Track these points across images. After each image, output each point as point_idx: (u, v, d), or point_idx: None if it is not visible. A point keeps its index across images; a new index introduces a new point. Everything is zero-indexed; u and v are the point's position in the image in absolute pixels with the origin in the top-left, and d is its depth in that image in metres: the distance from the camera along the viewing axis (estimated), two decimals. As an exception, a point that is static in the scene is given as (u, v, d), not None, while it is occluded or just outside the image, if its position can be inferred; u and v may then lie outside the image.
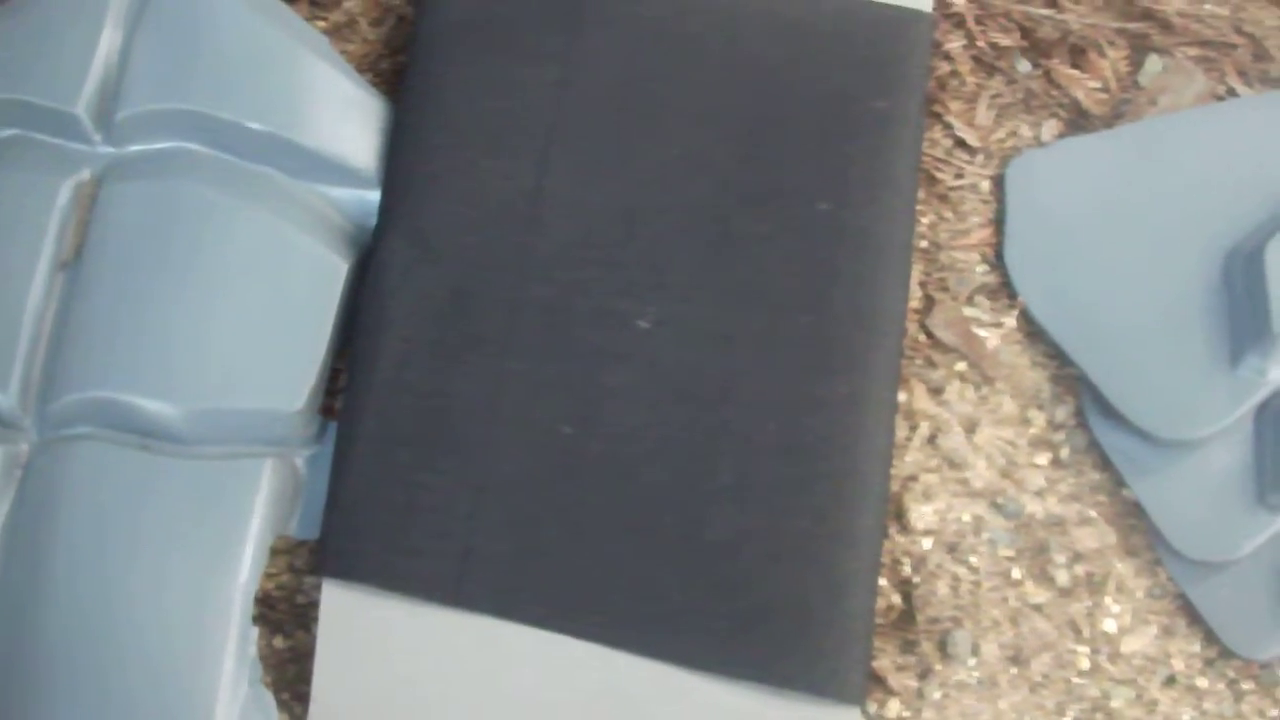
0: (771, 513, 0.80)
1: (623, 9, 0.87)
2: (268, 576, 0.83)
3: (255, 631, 0.81)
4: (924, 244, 0.89)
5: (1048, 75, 0.91)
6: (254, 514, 0.82)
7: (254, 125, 0.85)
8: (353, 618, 0.81)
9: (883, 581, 0.84)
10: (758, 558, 0.80)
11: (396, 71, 0.90)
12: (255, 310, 0.83)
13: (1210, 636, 0.85)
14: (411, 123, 0.86)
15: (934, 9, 0.87)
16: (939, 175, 0.89)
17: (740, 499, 0.80)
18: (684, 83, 0.86)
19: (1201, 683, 0.85)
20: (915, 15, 0.87)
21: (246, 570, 0.81)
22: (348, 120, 0.87)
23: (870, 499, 0.81)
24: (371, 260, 0.85)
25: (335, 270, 0.84)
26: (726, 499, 0.80)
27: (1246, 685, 0.85)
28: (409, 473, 0.82)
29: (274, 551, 0.83)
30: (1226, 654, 0.85)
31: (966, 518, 0.85)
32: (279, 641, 0.84)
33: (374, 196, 0.87)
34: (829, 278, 0.83)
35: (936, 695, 0.83)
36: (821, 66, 0.86)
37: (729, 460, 0.81)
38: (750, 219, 0.84)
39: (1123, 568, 0.85)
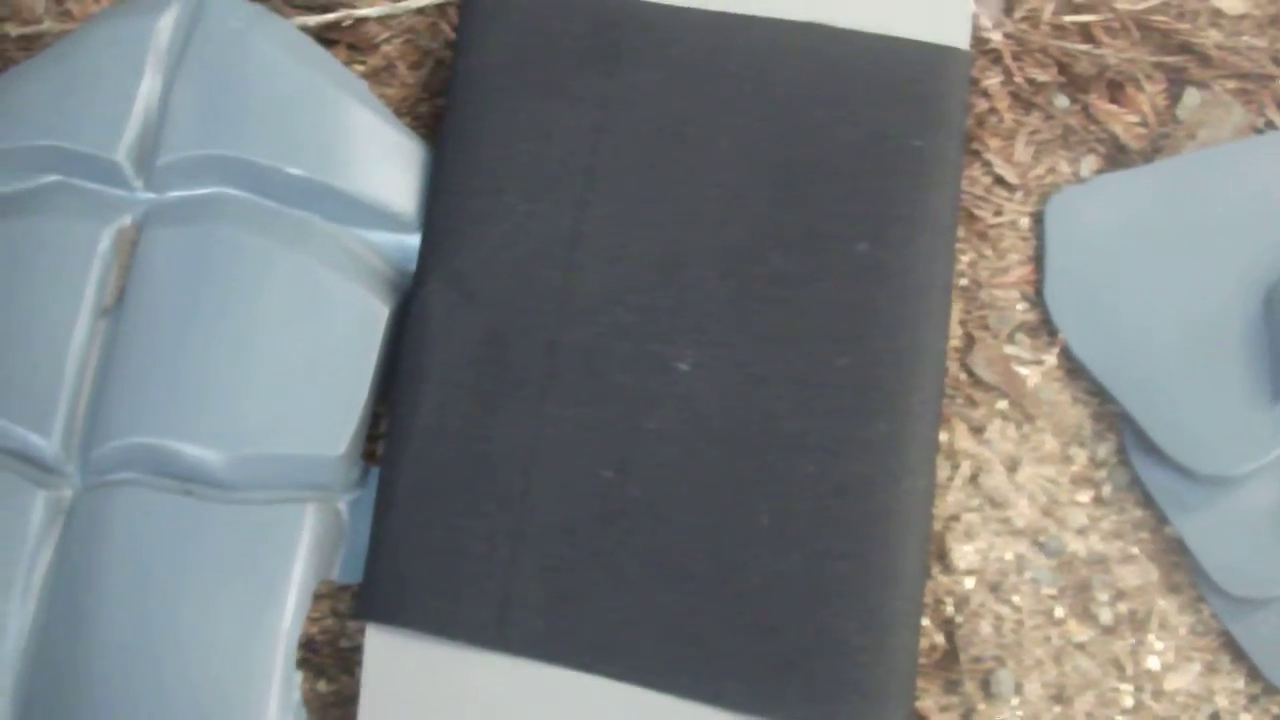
0: (812, 555, 0.80)
1: (659, 51, 0.87)
2: (311, 621, 0.83)
3: (299, 676, 0.81)
4: (964, 282, 0.88)
5: (1086, 110, 0.91)
6: (297, 559, 0.82)
7: (293, 170, 0.85)
8: (396, 661, 0.81)
9: (925, 621, 0.84)
10: (798, 600, 0.80)
11: (435, 115, 0.90)
12: (296, 355, 0.83)
13: (1254, 673, 0.84)
14: (449, 166, 0.87)
15: (971, 46, 0.87)
16: (978, 213, 0.89)
17: (780, 541, 0.80)
18: (720, 124, 0.86)
19: (1246, 719, 0.84)
20: (952, 53, 0.87)
21: (290, 615, 0.81)
22: (387, 164, 0.87)
23: (912, 539, 0.81)
24: (411, 305, 0.85)
25: (376, 314, 0.85)
26: (766, 541, 0.80)
27: (1292, 722, 0.84)
28: (450, 518, 0.82)
29: (317, 596, 0.83)
30: (1270, 690, 0.84)
31: (1009, 556, 0.85)
32: (323, 686, 0.84)
33: (414, 241, 0.87)
34: (867, 319, 0.83)
35: (980, 735, 0.83)
36: (858, 106, 0.86)
37: (768, 503, 0.81)
38: (788, 261, 0.84)
39: (1165, 605, 0.85)
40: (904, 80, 0.86)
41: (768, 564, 0.80)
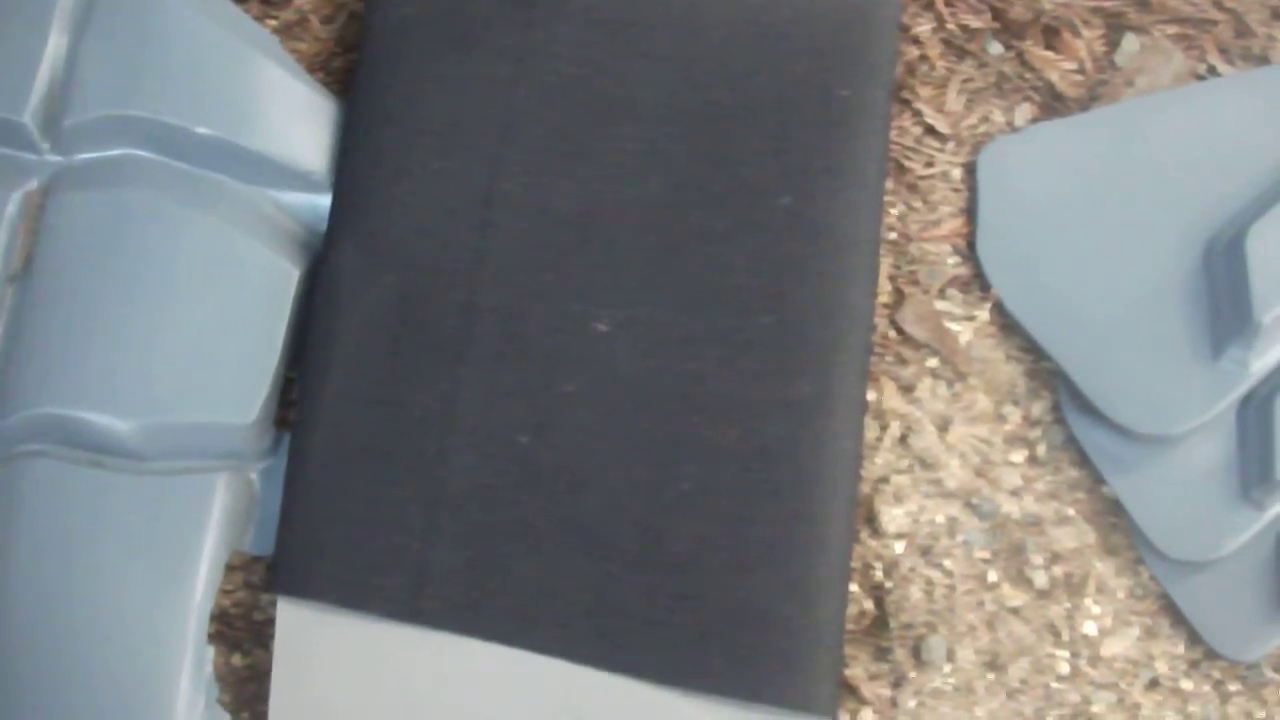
0: (735, 520, 0.78)
1: (577, 2, 0.84)
2: (224, 593, 0.81)
3: (211, 650, 0.79)
4: (893, 236, 0.86)
5: (1020, 57, 0.88)
6: (208, 530, 0.81)
7: (201, 130, 0.83)
8: (309, 635, 0.79)
9: (854, 587, 0.81)
10: (722, 567, 0.78)
11: (349, 70, 0.88)
12: (206, 320, 0.81)
13: (1194, 637, 0.82)
14: (360, 124, 0.84)
15: (901, -8, 0.84)
16: (908, 164, 0.87)
17: (702, 506, 0.78)
18: (640, 76, 0.83)
19: (1186, 685, 0.82)
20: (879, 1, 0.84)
21: (201, 587, 0.80)
22: (298, 123, 0.85)
23: (839, 503, 0.79)
24: (321, 267, 0.82)
25: (287, 277, 0.82)
26: (688, 507, 0.78)
27: (1233, 687, 0.82)
28: (363, 486, 0.80)
29: (230, 568, 0.81)
30: (1211, 655, 0.82)
31: (940, 519, 0.83)
32: (237, 659, 0.82)
33: (327, 201, 0.85)
34: (791, 275, 0.80)
35: (911, 704, 0.81)
36: (782, 56, 0.83)
37: (690, 467, 0.78)
38: (710, 216, 0.81)
39: (1103, 568, 0.83)
40: (830, 28, 0.83)
41: (690, 531, 0.78)
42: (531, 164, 0.83)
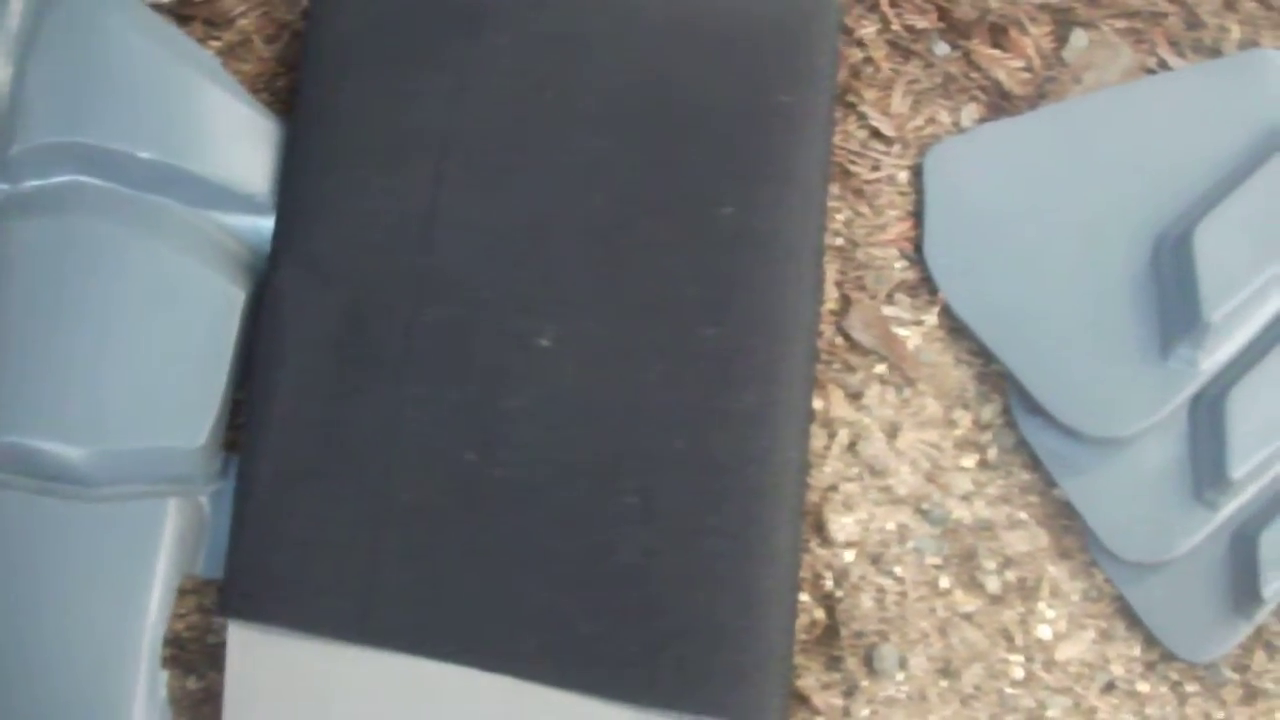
0: (681, 533, 0.78)
1: (519, 15, 0.84)
2: (177, 617, 0.81)
3: (165, 674, 0.80)
4: (839, 242, 0.85)
5: (967, 57, 0.87)
6: (159, 555, 0.81)
7: (145, 155, 0.83)
8: (260, 657, 0.80)
9: (804, 597, 0.81)
10: (668, 580, 0.77)
11: (293, 91, 0.87)
12: (153, 345, 0.81)
13: (1150, 639, 0.82)
14: (302, 142, 0.84)
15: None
16: (854, 169, 0.86)
17: (648, 520, 0.78)
18: (582, 87, 0.83)
19: (1143, 688, 0.82)
20: (820, 2, 0.83)
21: (154, 612, 0.80)
22: (242, 145, 0.85)
23: (785, 514, 0.78)
24: (265, 288, 0.82)
25: (233, 300, 0.82)
26: (634, 521, 0.78)
27: (1190, 688, 0.82)
28: (310, 507, 0.80)
29: (183, 592, 0.81)
30: (1168, 657, 0.82)
31: (890, 526, 0.82)
32: (191, 683, 0.82)
33: (269, 223, 0.84)
34: (733, 286, 0.80)
35: (864, 713, 0.81)
36: (722, 64, 0.83)
37: (635, 480, 0.78)
38: (652, 228, 0.81)
39: (1056, 571, 0.82)
40: (769, 34, 0.83)
41: (636, 545, 0.78)
42: (474, 179, 0.82)
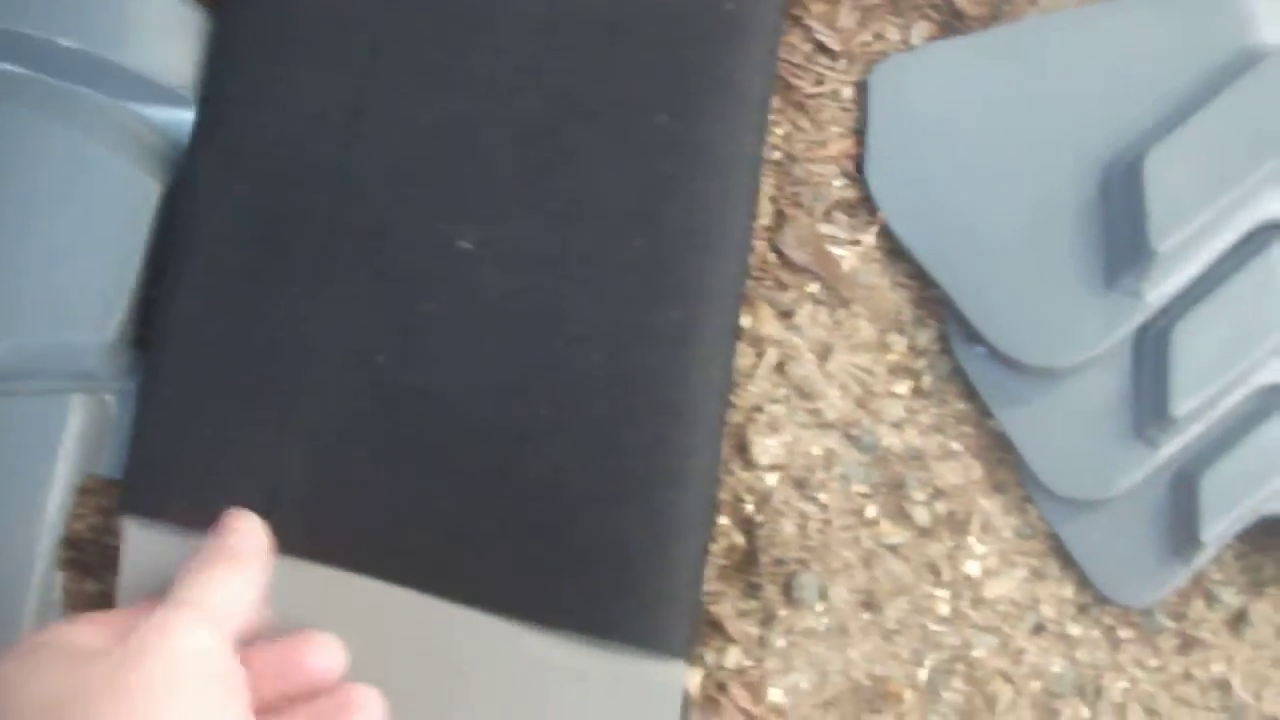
0: (594, 450, 0.75)
1: None
2: (76, 517, 0.79)
3: (60, 575, 0.77)
4: (777, 156, 0.82)
5: (920, -27, 0.84)
6: (59, 452, 0.78)
7: (64, 42, 0.80)
8: (156, 558, 0.77)
9: (723, 520, 0.78)
10: (579, 498, 0.75)
11: (222, -17, 0.85)
12: (63, 236, 0.79)
13: (1084, 581, 0.79)
14: (230, 33, 0.82)
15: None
16: (796, 82, 0.83)
17: (561, 434, 0.75)
18: None
19: (1074, 630, 0.78)
20: None
21: (52, 512, 0.78)
22: (165, 36, 0.82)
23: (704, 435, 0.75)
24: (183, 179, 0.80)
25: (148, 192, 0.80)
26: (546, 434, 0.75)
27: (1125, 634, 0.78)
28: (215, 406, 0.77)
29: (83, 491, 0.79)
30: (1102, 600, 0.79)
31: (817, 451, 0.79)
32: (89, 585, 0.79)
33: (189, 115, 0.82)
34: (664, 196, 0.77)
35: (781, 643, 0.77)
36: None
37: (550, 392, 0.75)
38: (582, 133, 0.78)
39: (988, 505, 0.79)
40: None
41: (547, 459, 0.75)
42: (403, 76, 0.80)
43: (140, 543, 0.77)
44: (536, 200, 0.77)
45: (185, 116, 0.83)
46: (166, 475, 0.77)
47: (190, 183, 0.80)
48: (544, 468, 0.75)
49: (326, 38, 0.80)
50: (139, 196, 0.80)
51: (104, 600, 0.78)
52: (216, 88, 0.81)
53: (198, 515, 0.77)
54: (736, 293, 0.77)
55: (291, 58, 0.80)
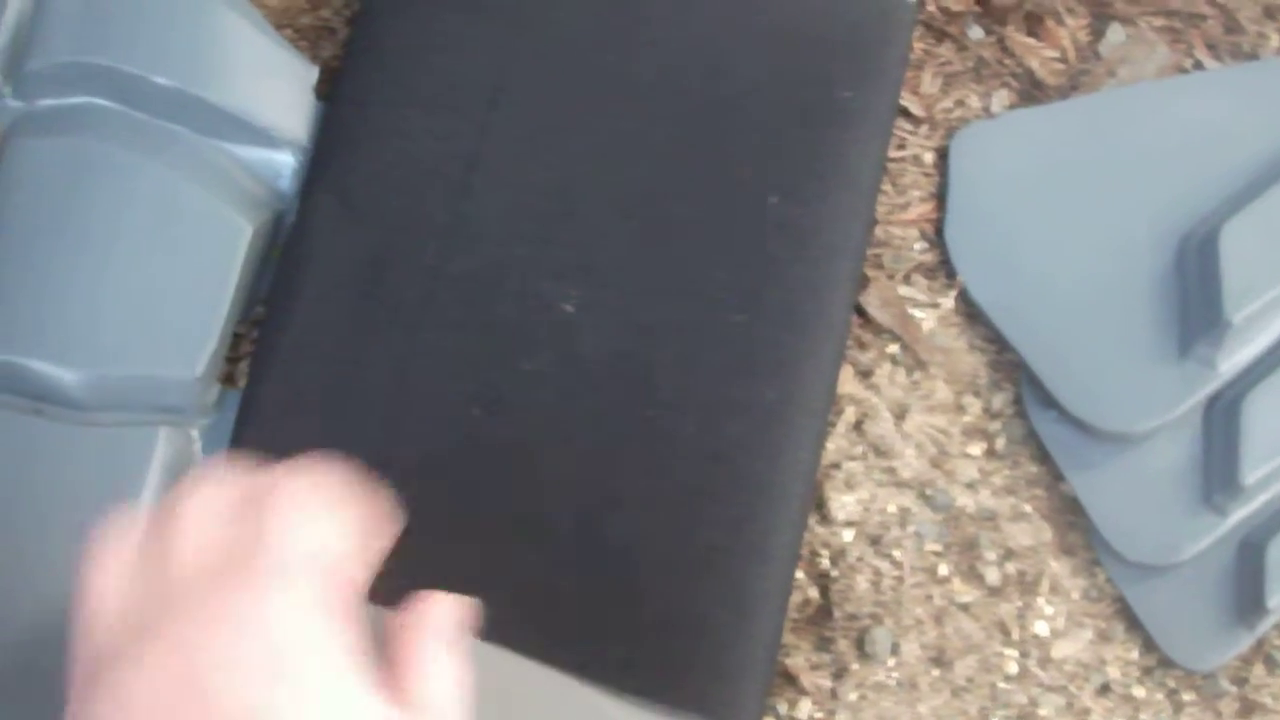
0: (680, 521, 0.76)
1: None
2: (160, 550, 0.79)
3: (143, 604, 0.77)
4: (859, 219, 0.83)
5: (1001, 43, 0.86)
6: (147, 483, 0.79)
7: (161, 80, 0.82)
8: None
9: (800, 575, 0.79)
10: (661, 567, 0.76)
11: (316, 28, 0.86)
12: (155, 272, 0.80)
13: (1149, 643, 0.80)
14: (352, 76, 0.83)
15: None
16: (879, 147, 0.84)
17: (648, 503, 0.77)
18: (639, 56, 0.81)
19: (1138, 692, 0.80)
20: (896, 4, 0.83)
21: (137, 541, 0.78)
22: (260, 77, 0.83)
23: (789, 513, 0.77)
24: (296, 219, 0.81)
25: (239, 232, 0.81)
26: (634, 501, 0.77)
27: (1187, 696, 0.80)
28: (311, 442, 0.78)
29: (167, 524, 0.79)
30: (1166, 663, 0.80)
31: (892, 509, 0.80)
32: (170, 617, 0.80)
33: (284, 158, 0.84)
34: (767, 276, 0.78)
35: (852, 696, 0.79)
36: (787, 50, 0.81)
37: (640, 459, 0.77)
38: (692, 206, 0.79)
39: (1058, 567, 0.80)
40: (840, 26, 0.81)
41: (632, 526, 0.77)
42: (518, 133, 0.81)
43: (226, 577, 0.78)
44: (641, 269, 0.79)
45: (276, 157, 0.84)
46: (254, 511, 0.78)
47: (302, 222, 0.82)
48: (629, 534, 0.76)
49: (446, 89, 0.82)
50: (230, 235, 0.81)
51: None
52: (335, 128, 0.83)
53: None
54: (831, 375, 0.79)
55: (411, 105, 0.82)
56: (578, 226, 0.80)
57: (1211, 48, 0.86)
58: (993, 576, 0.80)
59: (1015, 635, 0.80)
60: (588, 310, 0.79)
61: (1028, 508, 0.81)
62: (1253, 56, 0.86)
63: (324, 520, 0.59)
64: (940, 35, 0.86)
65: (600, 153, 0.81)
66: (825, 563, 0.79)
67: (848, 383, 0.81)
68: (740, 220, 0.79)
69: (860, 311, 0.82)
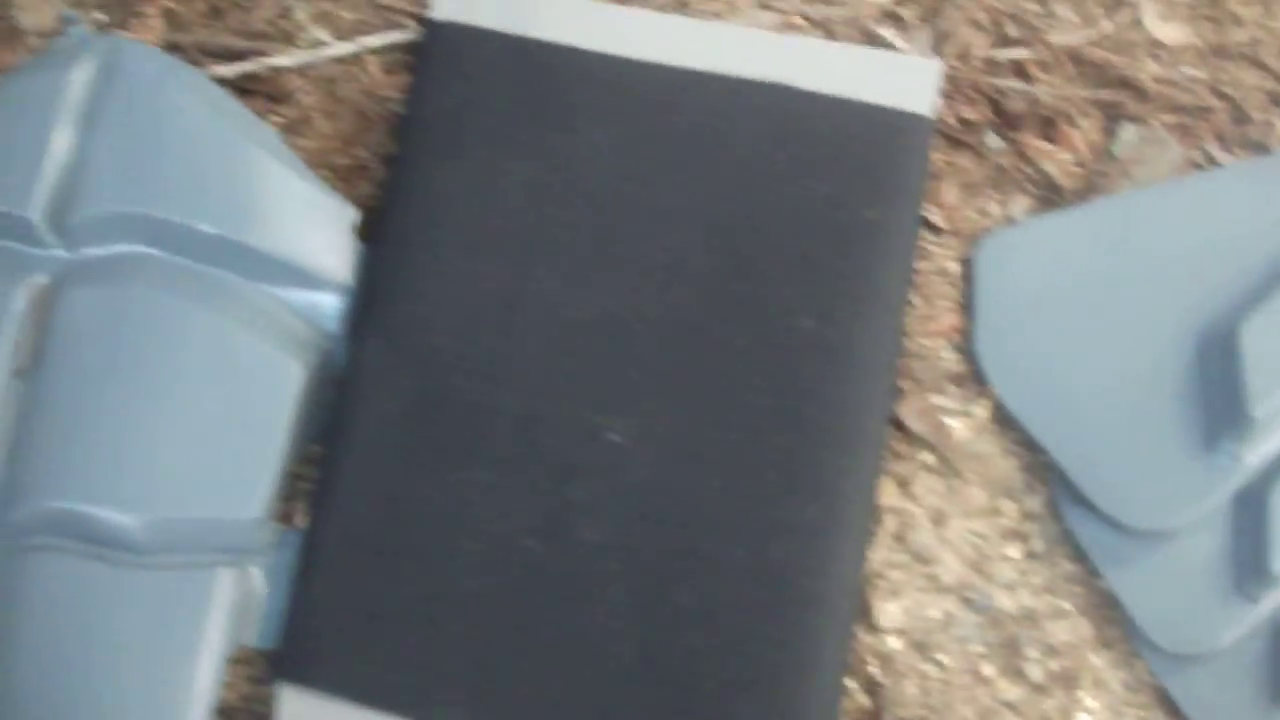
0: (733, 639, 0.79)
1: (614, 107, 0.86)
2: (227, 687, 0.82)
3: (215, 744, 0.80)
4: (889, 331, 0.86)
5: (1018, 149, 0.88)
6: (209, 624, 0.82)
7: (204, 228, 0.84)
8: (310, 724, 0.80)
9: (850, 683, 0.82)
10: (714, 685, 0.79)
11: (352, 168, 0.89)
12: (210, 417, 0.82)
13: (1190, 731, 0.82)
14: (394, 218, 0.86)
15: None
16: (905, 259, 0.87)
17: (702, 623, 0.79)
18: (670, 186, 0.84)
19: (1181, 778, 0.82)
20: (913, 120, 0.85)
21: (203, 681, 0.81)
22: (301, 221, 0.86)
23: (835, 628, 0.80)
24: (347, 361, 0.84)
25: (290, 374, 0.83)
26: (687, 623, 0.79)
27: (1229, 779, 0.82)
28: (372, 580, 0.81)
29: (233, 662, 0.82)
30: (1207, 749, 0.82)
31: (935, 614, 0.83)
32: (242, 751, 0.83)
33: (328, 299, 0.86)
34: (805, 397, 0.81)
35: (906, 798, 0.81)
36: (813, 173, 0.84)
37: (692, 582, 0.80)
38: (730, 332, 0.82)
39: (1098, 661, 0.83)
40: (860, 148, 0.84)
41: (686, 646, 0.79)
42: (558, 269, 0.84)
43: (295, 708, 0.81)
44: (683, 396, 0.82)
45: (321, 299, 0.86)
46: (322, 644, 0.81)
47: (353, 365, 0.84)
48: (683, 655, 0.79)
49: (487, 227, 0.85)
50: (281, 377, 0.84)
51: (256, 764, 0.82)
52: (381, 270, 0.86)
53: (351, 684, 0.81)
54: (871, 489, 0.81)
55: (452, 243, 0.85)
56: (619, 357, 0.83)
57: (1221, 140, 0.88)
58: (1035, 674, 0.82)
59: (1061, 730, 0.82)
60: (633, 439, 0.81)
61: (1066, 605, 0.83)
62: (1261, 145, 0.88)
63: None
64: (958, 145, 0.88)
65: (636, 285, 0.84)
66: (874, 670, 0.82)
67: (888, 494, 0.84)
68: (776, 344, 0.82)
69: (896, 423, 0.84)
